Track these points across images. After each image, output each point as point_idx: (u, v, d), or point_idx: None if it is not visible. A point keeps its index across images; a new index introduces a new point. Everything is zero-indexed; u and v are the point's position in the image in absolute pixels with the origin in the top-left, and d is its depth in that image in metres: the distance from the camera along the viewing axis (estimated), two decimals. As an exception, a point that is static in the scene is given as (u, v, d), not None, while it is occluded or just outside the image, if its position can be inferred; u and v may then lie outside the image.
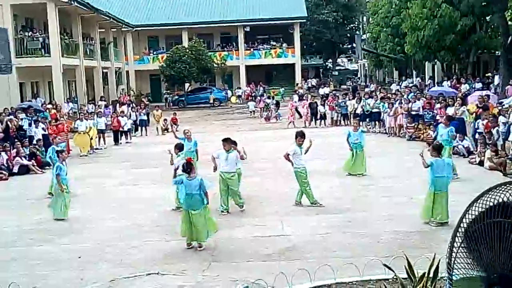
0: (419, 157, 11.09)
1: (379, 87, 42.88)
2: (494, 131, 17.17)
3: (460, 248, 3.30)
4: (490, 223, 3.06)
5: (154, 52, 52.44)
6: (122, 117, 26.26)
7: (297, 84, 50.40)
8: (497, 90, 27.86)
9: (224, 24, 51.94)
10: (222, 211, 11.96)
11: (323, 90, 43.26)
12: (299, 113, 31.01)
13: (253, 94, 50.27)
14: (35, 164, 18.86)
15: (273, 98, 38.45)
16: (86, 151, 22.39)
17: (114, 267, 8.91)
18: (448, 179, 10.73)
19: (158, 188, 15.15)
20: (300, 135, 12.55)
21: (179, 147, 13.13)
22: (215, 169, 12.25)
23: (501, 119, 17.58)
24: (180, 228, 9.91)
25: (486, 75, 32.95)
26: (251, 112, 37.09)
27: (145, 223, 11.50)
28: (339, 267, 7.80)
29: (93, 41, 39.94)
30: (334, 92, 40.11)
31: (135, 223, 11.59)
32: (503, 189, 2.99)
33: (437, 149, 10.94)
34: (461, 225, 3.30)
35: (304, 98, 32.63)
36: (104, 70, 42.42)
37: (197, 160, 14.30)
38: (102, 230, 11.16)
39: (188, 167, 9.87)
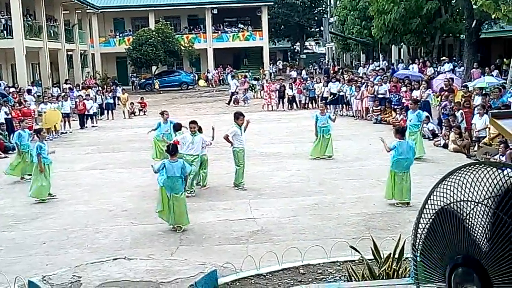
0: (388, 140, 11.24)
1: (346, 70, 43.11)
2: (458, 113, 17.44)
3: (425, 230, 3.35)
4: (455, 204, 3.11)
5: (120, 35, 51.66)
6: (88, 100, 25.85)
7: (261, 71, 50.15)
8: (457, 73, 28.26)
9: (191, 6, 51.38)
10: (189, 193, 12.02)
11: (293, 73, 43.24)
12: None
13: (221, 78, 50.11)
14: (-2, 148, 18.49)
15: (257, 79, 38.24)
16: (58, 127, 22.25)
17: (80, 252, 8.83)
18: (410, 161, 10.88)
19: (125, 172, 15.02)
20: (241, 115, 12.62)
21: (176, 127, 13.01)
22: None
23: (477, 99, 17.87)
24: (157, 209, 9.85)
25: (441, 58, 33.36)
26: (233, 94, 33.91)
27: (112, 208, 11.39)
28: (306, 249, 7.86)
29: (57, 23, 39.13)
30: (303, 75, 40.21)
31: (102, 207, 11.47)
32: (466, 171, 3.03)
33: (401, 132, 11.12)
34: (426, 206, 3.34)
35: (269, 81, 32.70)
36: (69, 53, 41.66)
37: None
38: (68, 215, 11.02)
39: (173, 149, 9.94)
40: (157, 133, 15.25)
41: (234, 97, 33.66)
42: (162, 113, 15.53)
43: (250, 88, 35.93)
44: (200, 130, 12.55)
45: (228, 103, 32.79)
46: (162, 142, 14.52)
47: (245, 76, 40.42)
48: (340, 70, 43.71)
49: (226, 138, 12.42)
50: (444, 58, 33.55)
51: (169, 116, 15.58)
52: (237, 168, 12.57)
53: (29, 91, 28.75)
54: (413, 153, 11.13)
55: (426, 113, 18.38)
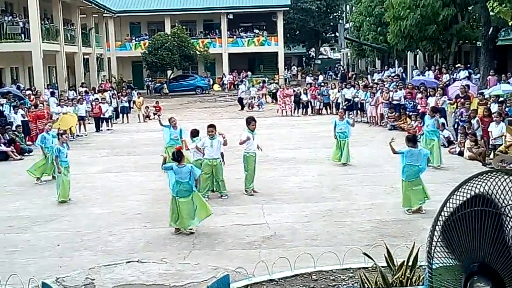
0: (400, 147, 11.18)
1: (361, 76, 43.01)
2: (474, 121, 17.32)
3: (440, 237, 3.32)
4: (471, 212, 3.08)
5: (136, 39, 51.95)
6: (103, 103, 26.02)
7: (275, 76, 50.24)
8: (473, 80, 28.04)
9: (207, 11, 51.58)
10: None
11: (308, 79, 43.17)
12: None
13: (236, 82, 50.20)
14: (14, 150, 18.65)
15: (277, 83, 38.33)
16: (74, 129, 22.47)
17: (94, 255, 8.87)
18: (422, 169, 10.78)
19: (140, 175, 15.09)
20: (253, 120, 12.62)
21: (193, 133, 12.99)
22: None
23: (494, 107, 17.73)
24: (169, 218, 9.90)
25: (456, 65, 33.11)
26: (251, 98, 34.39)
27: (126, 211, 11.44)
28: (319, 255, 7.83)
29: (74, 27, 39.44)
30: (314, 80, 40.17)
31: (116, 210, 11.53)
32: (483, 178, 3.01)
33: (412, 140, 11.05)
34: (442, 213, 3.32)
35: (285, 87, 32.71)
36: (85, 56, 41.95)
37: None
38: (82, 218, 11.08)
39: (178, 156, 9.96)
40: (167, 139, 15.09)
41: (249, 101, 33.71)
42: (169, 120, 15.42)
43: (268, 93, 36.03)
44: (197, 133, 12.68)
45: (242, 109, 32.82)
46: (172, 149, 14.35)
47: (264, 81, 40.52)
48: (354, 76, 43.63)
49: (242, 143, 12.46)
50: (459, 65, 33.32)
51: (177, 122, 15.41)
52: (245, 173, 12.58)
53: (52, 93, 29.35)
54: (426, 162, 11.01)
55: (442, 120, 18.28)
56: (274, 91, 35.89)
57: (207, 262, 8.20)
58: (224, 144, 12.43)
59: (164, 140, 15.22)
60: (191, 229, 9.80)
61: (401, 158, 10.76)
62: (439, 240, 3.36)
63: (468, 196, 3.05)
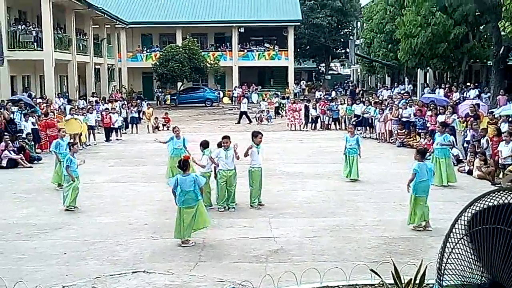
0: (408, 163, 11.15)
1: (370, 93, 43.02)
2: (483, 140, 17.25)
3: (452, 254, 3.31)
4: (483, 230, 3.07)
5: (148, 50, 52.33)
6: (113, 113, 26.16)
7: (286, 90, 50.48)
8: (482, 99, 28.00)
9: (219, 24, 51.93)
10: (218, 209, 12.21)
11: (318, 94, 43.25)
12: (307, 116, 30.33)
13: (245, 95, 50.36)
14: (23, 158, 18.75)
15: (287, 98, 38.42)
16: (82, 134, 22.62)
17: (100, 264, 8.87)
18: (428, 183, 10.80)
19: (148, 186, 15.11)
20: (259, 134, 12.67)
21: (204, 144, 13.01)
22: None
23: (504, 126, 17.66)
24: (174, 230, 9.92)
25: (467, 84, 33.06)
26: (260, 112, 34.46)
27: (133, 221, 11.45)
28: (326, 271, 7.80)
29: (87, 37, 39.79)
30: (326, 96, 40.20)
31: (123, 220, 11.54)
32: (492, 197, 3.00)
33: (421, 153, 11.03)
34: (453, 231, 3.31)
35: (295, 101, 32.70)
36: (97, 66, 42.26)
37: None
38: (89, 227, 11.10)
39: (184, 165, 9.98)
40: (171, 149, 15.20)
41: (257, 115, 33.76)
42: (173, 129, 15.59)
43: (279, 108, 36.04)
44: (208, 145, 12.71)
45: (239, 122, 32.71)
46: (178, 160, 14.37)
47: (277, 95, 40.64)
48: (362, 92, 43.65)
49: (246, 154, 12.49)
50: (469, 84, 33.30)
51: (180, 132, 15.51)
52: (250, 188, 12.58)
53: (69, 101, 30.32)
54: (432, 175, 11.00)
55: (452, 137, 18.23)
56: (277, 105, 35.86)
57: (213, 275, 8.19)
58: (237, 158, 12.45)
59: (168, 151, 15.30)
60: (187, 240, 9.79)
61: (416, 176, 10.67)
62: (450, 257, 3.35)
63: (481, 213, 3.05)
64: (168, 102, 46.00)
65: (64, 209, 12.33)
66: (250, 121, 32.72)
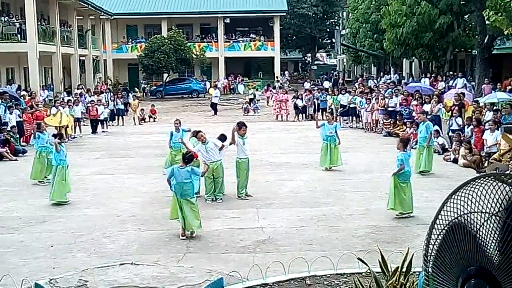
0: (394, 153, 11.23)
1: (359, 83, 43.09)
2: (468, 129, 17.38)
3: (437, 241, 3.34)
4: (466, 217, 3.10)
5: (133, 41, 51.96)
6: (99, 105, 26.00)
7: (276, 77, 50.51)
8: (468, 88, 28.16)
9: (204, 15, 51.66)
10: (206, 200, 12.21)
11: (307, 84, 43.15)
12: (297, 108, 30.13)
13: (232, 86, 50.27)
14: (8, 151, 18.59)
15: (274, 88, 38.25)
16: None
17: (87, 256, 8.84)
18: (409, 171, 11.01)
19: (134, 178, 15.06)
20: (243, 125, 12.68)
21: (194, 134, 13.02)
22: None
23: (489, 115, 17.81)
24: (170, 212, 9.94)
25: (455, 73, 33.22)
26: (247, 103, 33.95)
27: (120, 213, 11.42)
28: (313, 260, 7.84)
29: (71, 28, 39.42)
30: (313, 86, 40.19)
31: (110, 212, 11.50)
32: (478, 183, 3.02)
33: (404, 142, 11.15)
34: (438, 218, 3.34)
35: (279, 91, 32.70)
36: (81, 58, 41.92)
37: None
38: (76, 219, 11.05)
39: (188, 159, 9.91)
40: (173, 143, 15.10)
41: (244, 106, 33.69)
42: (174, 123, 15.46)
43: (252, 100, 35.72)
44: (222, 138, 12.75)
45: (215, 114, 32.42)
46: (177, 152, 14.33)
47: (268, 85, 40.52)
48: (343, 82, 43.69)
49: (233, 141, 12.52)
50: (453, 73, 33.46)
51: (180, 125, 15.42)
52: (237, 179, 12.61)
53: (68, 93, 30.96)
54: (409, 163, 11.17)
55: (436, 127, 18.35)
56: (251, 97, 35.61)
57: (201, 265, 8.20)
58: (220, 148, 12.44)
59: (172, 144, 15.06)
60: (192, 231, 9.77)
61: (397, 164, 10.80)
62: (436, 244, 3.38)
63: (465, 200, 3.07)
64: (138, 95, 45.34)
65: (51, 203, 12.24)
66: (215, 114, 32.27)
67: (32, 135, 15.16)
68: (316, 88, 34.64)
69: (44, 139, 14.64)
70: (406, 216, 10.67)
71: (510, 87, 25.61)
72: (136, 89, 43.58)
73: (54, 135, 13.23)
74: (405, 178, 10.79)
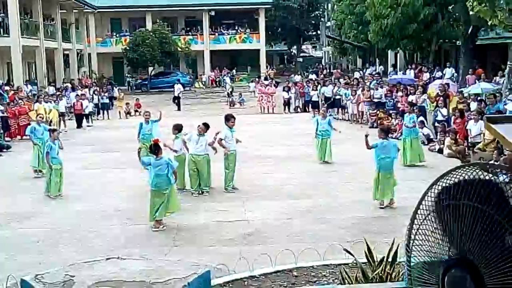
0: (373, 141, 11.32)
1: (343, 74, 43.16)
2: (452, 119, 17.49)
3: (419, 231, 3.37)
4: (448, 206, 3.12)
5: (117, 35, 51.55)
6: (84, 100, 25.82)
7: (267, 67, 50.41)
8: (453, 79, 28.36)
9: (189, 8, 51.34)
10: (192, 193, 12.18)
11: (296, 78, 43.07)
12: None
13: (217, 79, 50.08)
14: (-8, 146, 18.44)
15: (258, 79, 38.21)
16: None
17: (74, 252, 8.80)
18: (393, 160, 11.07)
19: (120, 172, 15.00)
20: (232, 117, 12.70)
21: (177, 128, 12.97)
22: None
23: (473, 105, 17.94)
24: (149, 214, 9.92)
25: (436, 64, 33.44)
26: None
27: (106, 208, 11.37)
28: (300, 252, 7.86)
29: (54, 22, 39.05)
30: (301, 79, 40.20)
31: (96, 207, 11.45)
32: (458, 173, 3.04)
33: (384, 131, 11.26)
34: (420, 208, 3.36)
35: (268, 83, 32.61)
36: (65, 52, 41.56)
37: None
38: (62, 214, 10.99)
39: (156, 149, 10.02)
40: (141, 135, 15.11)
41: (230, 99, 33.64)
42: (144, 114, 15.55)
43: (231, 93, 35.52)
44: (181, 128, 12.85)
45: (178, 109, 31.79)
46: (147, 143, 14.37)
47: (259, 77, 40.40)
48: (326, 74, 43.73)
49: (220, 142, 12.46)
50: (439, 64, 33.63)
51: (150, 117, 15.43)
52: (226, 171, 12.58)
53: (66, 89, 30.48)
54: (396, 152, 11.27)
55: (421, 118, 18.44)
56: (230, 90, 35.45)
57: (188, 259, 8.18)
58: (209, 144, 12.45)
59: (142, 136, 15.10)
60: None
61: (375, 151, 10.96)
62: (417, 234, 3.40)
63: (446, 189, 3.10)
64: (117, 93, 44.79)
65: (51, 196, 12.20)
66: (179, 109, 31.86)
67: (28, 127, 15.19)
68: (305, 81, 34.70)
69: (39, 131, 14.66)
70: (388, 205, 10.75)
71: (483, 75, 25.77)
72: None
73: (48, 130, 13.27)
74: (387, 167, 10.86)
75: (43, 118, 16.26)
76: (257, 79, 39.80)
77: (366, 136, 11.38)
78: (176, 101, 32.19)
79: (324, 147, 15.42)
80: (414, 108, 16.42)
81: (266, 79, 38.73)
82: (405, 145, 14.94)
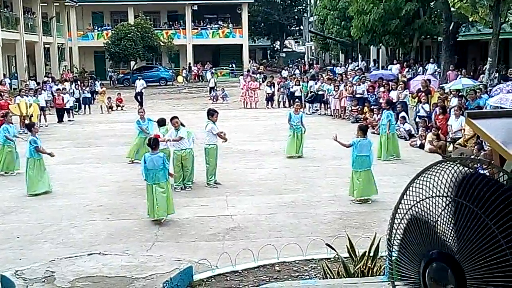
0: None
1: (323, 69, 43.29)
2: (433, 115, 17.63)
3: (400, 226, 3.40)
4: (428, 201, 3.15)
5: (99, 29, 51.19)
6: (64, 94, 25.59)
7: (252, 65, 50.35)
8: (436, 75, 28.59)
9: (171, 2, 51.14)
10: (175, 188, 12.07)
11: (284, 73, 43.01)
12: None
13: (200, 74, 49.92)
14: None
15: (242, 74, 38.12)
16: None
17: (55, 247, 8.74)
18: (369, 158, 11.11)
19: (102, 167, 14.91)
20: (215, 112, 12.77)
21: (160, 122, 13.17)
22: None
23: (454, 101, 18.08)
24: (148, 210, 9.96)
25: (419, 60, 33.70)
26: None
27: (88, 203, 11.29)
28: (282, 246, 7.89)
29: (35, 15, 38.63)
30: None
31: (78, 202, 11.37)
32: (440, 167, 3.07)
33: (363, 130, 11.31)
34: (401, 203, 3.39)
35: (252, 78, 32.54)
36: (46, 46, 41.19)
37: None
38: (43, 210, 10.90)
39: (154, 143, 10.06)
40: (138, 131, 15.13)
41: (213, 94, 33.55)
42: (138, 112, 15.61)
43: (213, 88, 35.32)
44: (164, 122, 13.02)
45: (140, 104, 30.65)
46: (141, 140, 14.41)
47: (248, 71, 40.19)
48: (307, 70, 43.82)
49: (220, 135, 12.55)
50: (420, 60, 33.85)
51: (145, 113, 15.50)
52: (207, 166, 12.58)
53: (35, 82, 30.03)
54: (371, 149, 11.29)
55: (403, 113, 18.57)
56: (212, 85, 35.31)
57: (170, 254, 8.18)
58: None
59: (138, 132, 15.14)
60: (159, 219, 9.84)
61: (352, 149, 11.01)
62: (399, 229, 3.43)
63: (426, 185, 3.13)
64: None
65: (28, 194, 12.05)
66: (141, 105, 31.16)
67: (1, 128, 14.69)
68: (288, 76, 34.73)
69: (11, 132, 14.39)
70: (366, 199, 10.85)
71: (464, 71, 26.00)
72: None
73: (27, 126, 13.08)
74: (363, 165, 10.93)
75: (12, 115, 15.75)
76: (246, 73, 39.60)
77: (336, 139, 11.42)
78: (138, 97, 31.31)
79: (296, 142, 15.46)
80: (391, 106, 16.47)
81: (254, 72, 38.61)
82: (381, 141, 15.04)
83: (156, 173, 9.80)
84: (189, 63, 51.07)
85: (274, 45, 72.86)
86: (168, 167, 10.13)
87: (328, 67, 47.93)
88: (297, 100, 22.64)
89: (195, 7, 50.90)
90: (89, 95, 29.25)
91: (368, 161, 11.01)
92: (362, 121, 22.05)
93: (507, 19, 21.86)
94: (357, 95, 23.43)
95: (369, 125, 19.42)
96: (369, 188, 10.92)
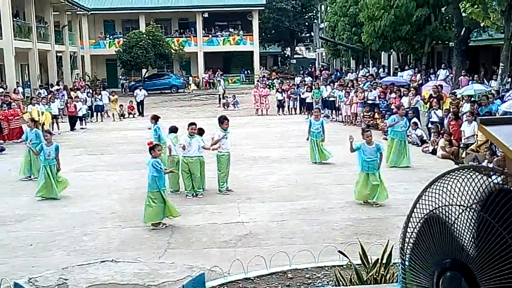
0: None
1: (330, 75, 43.25)
2: (446, 120, 17.53)
3: (413, 234, 3.37)
4: (442, 210, 3.13)
5: (111, 37, 51.49)
6: (77, 102, 25.76)
7: (261, 69, 50.38)
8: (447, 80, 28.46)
9: (182, 10, 51.33)
10: (187, 196, 12.21)
11: (297, 79, 43.01)
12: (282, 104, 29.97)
13: (211, 81, 50.03)
14: (-15, 149, 18.35)
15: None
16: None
17: (67, 255, 8.77)
18: (376, 162, 11.14)
19: (114, 174, 14.96)
20: (225, 119, 12.74)
21: (172, 129, 13.20)
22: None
23: (466, 106, 17.98)
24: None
25: (430, 66, 33.58)
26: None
27: (100, 210, 11.34)
28: (294, 253, 7.87)
29: (47, 24, 38.93)
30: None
31: (90, 210, 11.42)
32: (455, 175, 3.05)
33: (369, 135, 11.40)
34: (414, 211, 3.36)
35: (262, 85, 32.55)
36: (59, 54, 41.46)
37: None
38: (55, 217, 10.95)
39: (149, 150, 10.34)
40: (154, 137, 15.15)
41: (224, 101, 33.63)
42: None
43: (223, 95, 35.32)
44: (176, 130, 13.04)
45: (140, 114, 30.54)
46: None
47: (263, 76, 40.09)
48: (318, 75, 43.77)
49: (215, 144, 12.47)
50: (432, 66, 33.72)
51: (156, 121, 15.51)
52: (218, 173, 12.57)
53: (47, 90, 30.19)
54: (378, 153, 11.27)
55: (415, 119, 18.50)
56: (221, 92, 35.34)
57: (182, 261, 8.18)
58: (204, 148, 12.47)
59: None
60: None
61: (358, 153, 11.05)
62: (412, 237, 3.40)
63: (441, 193, 3.10)
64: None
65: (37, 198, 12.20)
66: (141, 114, 30.57)
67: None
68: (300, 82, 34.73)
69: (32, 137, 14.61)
70: (375, 203, 10.86)
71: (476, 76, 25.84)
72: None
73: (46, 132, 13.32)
74: (370, 168, 11.02)
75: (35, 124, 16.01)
76: (261, 78, 39.46)
77: (351, 140, 11.41)
78: (139, 106, 31.30)
79: (317, 148, 15.46)
80: (407, 111, 16.43)
81: (268, 79, 38.46)
82: (392, 145, 14.97)
83: (149, 179, 10.10)
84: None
85: (285, 51, 72.93)
86: (159, 175, 10.12)
87: (333, 74, 47.96)
88: (316, 107, 22.64)
89: (206, 15, 51.08)
90: (101, 103, 29.36)
91: (374, 166, 11.04)
92: (372, 126, 22.04)
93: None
94: (369, 101, 23.37)
95: (381, 131, 19.50)
96: (380, 192, 10.94)
